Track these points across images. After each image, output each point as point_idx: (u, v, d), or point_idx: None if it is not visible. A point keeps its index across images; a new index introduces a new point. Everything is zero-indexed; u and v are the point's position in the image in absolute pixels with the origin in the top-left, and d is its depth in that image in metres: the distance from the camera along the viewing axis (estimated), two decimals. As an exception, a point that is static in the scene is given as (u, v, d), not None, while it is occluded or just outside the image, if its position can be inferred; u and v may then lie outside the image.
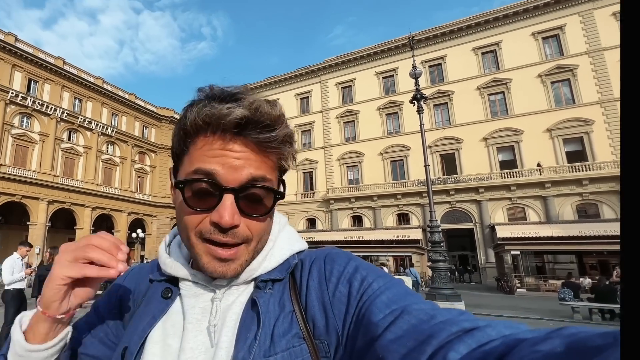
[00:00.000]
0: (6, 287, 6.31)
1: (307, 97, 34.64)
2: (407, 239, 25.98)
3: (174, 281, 0.60)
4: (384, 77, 31.06)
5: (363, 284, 0.49)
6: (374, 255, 26.10)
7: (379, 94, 31.00)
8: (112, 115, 38.19)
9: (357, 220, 30.03)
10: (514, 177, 24.40)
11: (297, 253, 0.61)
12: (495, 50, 26.61)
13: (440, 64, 28.62)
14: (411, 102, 14.90)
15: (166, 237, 0.68)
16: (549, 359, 0.25)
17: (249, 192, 0.52)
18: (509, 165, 25.19)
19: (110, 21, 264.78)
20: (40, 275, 6.36)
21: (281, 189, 0.57)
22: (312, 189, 32.47)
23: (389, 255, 26.30)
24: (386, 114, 30.28)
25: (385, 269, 19.28)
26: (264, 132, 0.51)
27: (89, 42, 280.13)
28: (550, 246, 21.23)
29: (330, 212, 30.71)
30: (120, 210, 36.53)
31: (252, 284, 0.57)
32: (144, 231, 35.67)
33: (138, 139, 40.05)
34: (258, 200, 0.53)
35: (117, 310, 0.64)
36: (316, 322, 0.50)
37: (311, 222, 32.06)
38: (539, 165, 23.64)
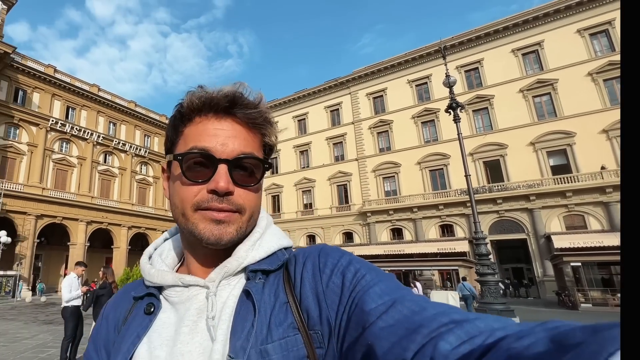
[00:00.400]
0: (64, 304, 6.71)
1: (338, 109, 34.27)
2: (453, 251, 24.62)
3: (157, 294, 0.60)
4: (417, 85, 30.31)
5: (356, 275, 0.50)
6: (417, 270, 24.88)
7: (413, 102, 30.23)
8: (145, 136, 39.09)
9: (397, 233, 28.91)
10: (568, 182, 22.86)
11: (285, 249, 0.62)
12: (537, 50, 25.44)
13: (477, 68, 27.67)
14: (447, 111, 14.16)
15: (148, 249, 0.69)
16: (531, 350, 0.27)
17: (240, 164, 0.57)
18: (562, 170, 23.63)
19: (140, 46, 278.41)
20: (94, 292, 6.69)
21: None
22: (347, 202, 31.66)
23: (434, 269, 24.97)
24: (422, 122, 29.39)
25: (419, 285, 18.22)
26: (249, 109, 0.58)
27: (120, 66, 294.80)
28: (617, 257, 19.44)
29: (368, 225, 29.75)
30: (154, 229, 36.86)
31: (243, 277, 0.58)
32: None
33: (170, 159, 40.67)
34: (249, 170, 0.58)
35: (105, 343, 0.63)
36: (310, 312, 0.52)
37: (348, 236, 31.14)
38: (603, 167, 22.01)
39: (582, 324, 0.26)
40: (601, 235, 20.77)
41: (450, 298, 14.30)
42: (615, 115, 22.32)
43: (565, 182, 22.92)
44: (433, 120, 28.79)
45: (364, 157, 31.43)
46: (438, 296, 14.70)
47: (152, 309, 0.59)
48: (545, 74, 24.98)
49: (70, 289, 6.65)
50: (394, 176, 29.80)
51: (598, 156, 22.48)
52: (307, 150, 34.97)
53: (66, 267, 30.66)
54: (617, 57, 22.85)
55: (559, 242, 21.43)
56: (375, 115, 31.90)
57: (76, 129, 31.84)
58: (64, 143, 31.66)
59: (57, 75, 31.65)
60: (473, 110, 26.96)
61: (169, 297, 0.59)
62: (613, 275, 21.12)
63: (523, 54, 25.96)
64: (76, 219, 30.22)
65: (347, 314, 0.48)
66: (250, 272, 0.57)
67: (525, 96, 25.20)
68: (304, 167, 34.85)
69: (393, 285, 0.48)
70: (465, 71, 28.05)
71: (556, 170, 23.86)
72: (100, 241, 33.56)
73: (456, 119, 13.68)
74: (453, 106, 13.77)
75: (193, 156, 0.56)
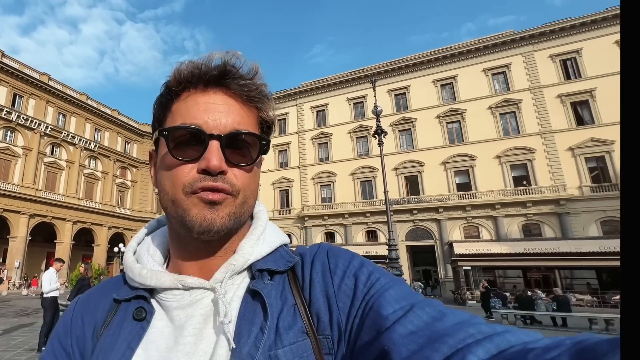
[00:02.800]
0: (45, 295, 7.74)
1: (284, 119, 36.60)
2: (375, 254, 27.84)
3: (148, 297, 0.54)
4: (354, 103, 33.44)
5: (370, 278, 0.48)
6: None
7: (350, 118, 33.31)
8: (95, 130, 39.26)
9: (330, 237, 31.77)
10: (468, 198, 26.89)
11: (284, 245, 0.60)
12: (452, 83, 29.38)
13: (404, 93, 31.22)
14: (373, 135, 17.32)
15: (131, 244, 0.62)
16: None
17: (234, 140, 0.52)
18: (464, 187, 27.65)
19: (92, 31, 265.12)
20: (78, 283, 8.07)
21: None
22: (288, 206, 34.18)
23: None
24: (356, 137, 32.52)
25: None
26: (243, 80, 0.53)
27: (69, 50, 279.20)
28: (499, 262, 23.60)
29: (305, 228, 32.42)
30: (100, 225, 37.31)
31: (247, 276, 0.55)
32: (125, 245, 36.51)
33: (120, 154, 41.11)
34: (243, 148, 0.53)
35: (79, 345, 0.55)
36: (320, 316, 0.49)
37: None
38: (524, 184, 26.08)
39: (609, 337, 0.26)
40: (489, 244, 24.80)
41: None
42: (506, 144, 26.66)
43: (466, 198, 26.92)
44: (366, 136, 31.90)
45: (305, 165, 34.03)
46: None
47: (143, 315, 0.52)
48: (457, 104, 28.91)
49: (50, 282, 7.62)
50: (330, 185, 32.66)
51: (492, 177, 26.66)
52: (255, 155, 37.04)
53: (4, 261, 30.59)
54: (511, 96, 27.32)
55: (458, 249, 25.21)
56: (318, 127, 34.61)
57: (23, 117, 31.43)
58: (9, 132, 31.21)
59: (5, 60, 31.04)
60: (399, 130, 30.44)
61: (163, 302, 0.53)
62: (497, 278, 25.33)
63: (442, 85, 29.78)
64: (18, 212, 30.12)
65: (360, 317, 0.45)
66: (257, 271, 0.53)
67: (441, 122, 29.01)
68: (250, 171, 36.90)
69: (408, 289, 0.46)
70: (395, 95, 31.51)
71: (460, 187, 27.82)
72: (42, 235, 33.61)
73: (380, 143, 16.76)
74: (378, 132, 16.90)
75: (181, 132, 0.51)
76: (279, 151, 35.94)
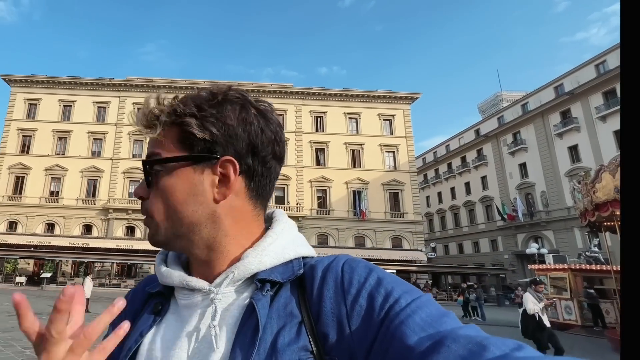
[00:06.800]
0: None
1: (105, 107, 36.44)
2: None
3: (168, 293, 0.59)
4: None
5: (388, 300, 0.44)
6: (138, 263, 31.32)
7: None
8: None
9: (131, 230, 34.03)
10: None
11: (303, 258, 0.57)
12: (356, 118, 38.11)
13: (321, 116, 37.87)
14: None
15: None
16: None
17: (144, 168, 0.55)
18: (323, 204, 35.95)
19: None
20: None
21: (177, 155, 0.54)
22: (94, 196, 34.37)
23: (152, 264, 31.58)
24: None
25: (88, 281, 23.48)
26: (145, 115, 0.56)
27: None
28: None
29: (108, 220, 33.51)
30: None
31: (253, 286, 0.53)
32: None
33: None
34: (153, 173, 0.55)
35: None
36: (328, 336, 0.46)
37: (87, 229, 34.19)
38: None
39: None
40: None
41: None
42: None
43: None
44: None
45: (118, 158, 34.94)
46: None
47: (159, 308, 0.58)
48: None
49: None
50: (139, 180, 34.77)
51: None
52: (66, 137, 35.76)
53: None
54: (392, 141, 36.78)
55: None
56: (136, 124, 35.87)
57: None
58: None
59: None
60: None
61: (178, 299, 0.58)
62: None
63: (316, 116, 37.47)
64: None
65: (380, 344, 0.42)
66: (258, 280, 0.52)
67: (347, 148, 36.68)
68: (59, 154, 35.54)
69: (435, 311, 0.42)
70: (316, 116, 37.58)
71: (320, 204, 36.29)
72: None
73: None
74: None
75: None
76: (94, 139, 35.86)
